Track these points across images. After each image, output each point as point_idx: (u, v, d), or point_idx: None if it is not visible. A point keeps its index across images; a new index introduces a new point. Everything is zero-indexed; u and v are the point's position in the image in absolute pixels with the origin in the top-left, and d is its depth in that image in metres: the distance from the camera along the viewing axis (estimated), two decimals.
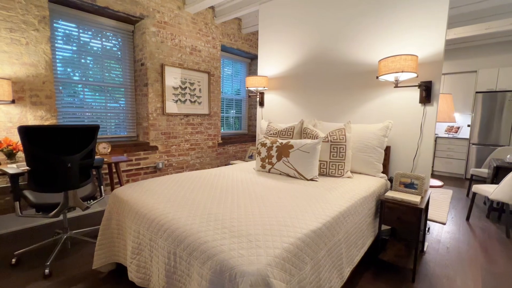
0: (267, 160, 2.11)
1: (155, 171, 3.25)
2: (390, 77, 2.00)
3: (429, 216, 2.82)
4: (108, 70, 2.99)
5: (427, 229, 2.48)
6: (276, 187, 1.68)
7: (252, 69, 4.89)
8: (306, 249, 1.02)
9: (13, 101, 1.97)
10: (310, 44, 2.71)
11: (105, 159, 2.32)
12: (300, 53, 2.80)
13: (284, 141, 2.06)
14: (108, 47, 2.96)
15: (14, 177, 1.64)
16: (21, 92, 2.21)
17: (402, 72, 1.83)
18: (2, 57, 2.10)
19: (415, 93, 2.09)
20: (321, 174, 2.08)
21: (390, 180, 2.16)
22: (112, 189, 2.76)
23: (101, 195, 2.03)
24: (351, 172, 2.18)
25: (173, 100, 3.33)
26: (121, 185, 2.52)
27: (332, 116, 2.61)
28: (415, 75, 1.93)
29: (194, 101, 3.60)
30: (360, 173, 2.15)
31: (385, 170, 2.21)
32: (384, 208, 1.81)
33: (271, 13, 3.02)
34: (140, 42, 3.09)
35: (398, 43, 2.15)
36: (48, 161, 1.63)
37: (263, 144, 2.17)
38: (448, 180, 4.77)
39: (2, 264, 1.73)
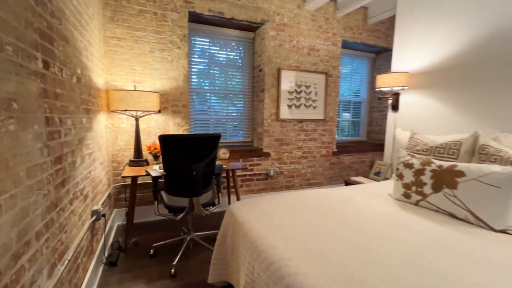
0: (414, 188, 1.52)
1: (267, 178, 3.18)
2: None
3: None
4: (230, 78, 3.15)
5: None
6: (439, 236, 1.12)
7: (376, 65, 4.12)
8: None
9: (159, 111, 2.31)
10: (483, 18, 1.84)
11: (223, 166, 2.38)
12: (464, 34, 1.96)
13: (446, 164, 1.42)
14: (231, 57, 3.12)
15: (154, 179, 1.85)
16: (166, 103, 2.59)
17: None
18: (155, 74, 2.50)
19: None
20: None
21: None
22: (229, 194, 2.87)
23: (218, 202, 2.06)
24: None
25: (288, 105, 3.16)
26: (236, 191, 2.54)
27: None
28: None
29: (309, 105, 3.31)
30: None
31: None
32: None
33: None
34: (259, 48, 3.09)
35: None
36: (177, 167, 1.74)
37: (408, 165, 1.59)
38: None
39: (144, 253, 2.01)
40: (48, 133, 1.04)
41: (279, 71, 3.04)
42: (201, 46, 2.95)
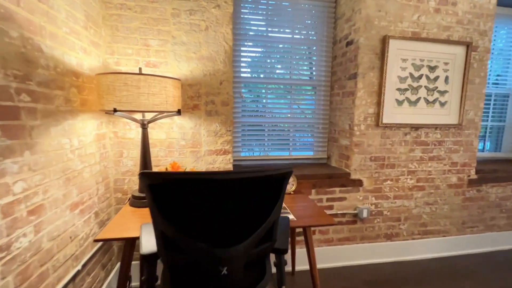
0: None
1: (355, 221, 1.93)
2: None
3: None
4: (296, 61, 2.02)
5: None
6: None
7: None
8: None
9: (178, 112, 1.33)
10: None
11: (290, 217, 1.27)
12: None
13: None
14: (297, 29, 1.98)
15: (146, 259, 0.84)
16: (196, 99, 1.61)
17: None
18: (180, 51, 1.55)
19: None
20: None
21: None
22: (293, 251, 1.74)
23: None
24: None
25: (396, 100, 1.85)
26: (310, 262, 1.38)
27: None
28: None
29: (434, 101, 1.93)
30: None
31: None
32: None
33: None
34: (348, 7, 1.86)
35: None
36: (186, 255, 0.70)
37: None
38: None
39: None
40: None
41: (384, 41, 1.76)
42: (252, 12, 1.89)
